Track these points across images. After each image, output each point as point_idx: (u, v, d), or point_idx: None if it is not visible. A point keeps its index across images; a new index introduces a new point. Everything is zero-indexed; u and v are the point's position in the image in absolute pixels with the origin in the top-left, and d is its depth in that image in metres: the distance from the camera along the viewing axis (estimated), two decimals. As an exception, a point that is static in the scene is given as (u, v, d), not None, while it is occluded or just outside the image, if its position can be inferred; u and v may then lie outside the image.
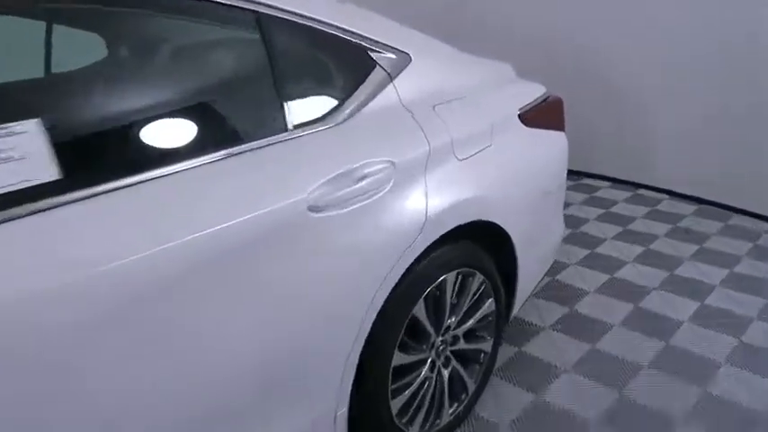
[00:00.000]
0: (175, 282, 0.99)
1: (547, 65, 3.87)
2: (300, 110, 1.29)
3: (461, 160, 1.54)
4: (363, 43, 1.44)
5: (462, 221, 1.53)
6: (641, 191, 3.85)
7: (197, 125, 1.14)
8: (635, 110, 3.77)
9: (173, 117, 1.12)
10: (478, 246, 1.67)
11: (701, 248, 3.01)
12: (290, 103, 1.27)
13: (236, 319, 1.10)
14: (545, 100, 1.99)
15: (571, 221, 3.35)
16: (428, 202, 1.42)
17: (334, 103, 1.36)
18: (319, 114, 1.32)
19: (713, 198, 3.58)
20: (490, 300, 1.76)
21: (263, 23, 1.25)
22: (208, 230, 1.03)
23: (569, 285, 2.66)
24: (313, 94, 1.35)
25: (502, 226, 1.67)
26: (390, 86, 1.47)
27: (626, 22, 3.61)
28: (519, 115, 1.82)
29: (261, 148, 1.18)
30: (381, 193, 1.32)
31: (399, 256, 1.36)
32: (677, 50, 3.46)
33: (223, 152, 1.12)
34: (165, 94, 1.15)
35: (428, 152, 1.44)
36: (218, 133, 1.16)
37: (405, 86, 1.50)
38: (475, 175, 1.58)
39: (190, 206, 1.03)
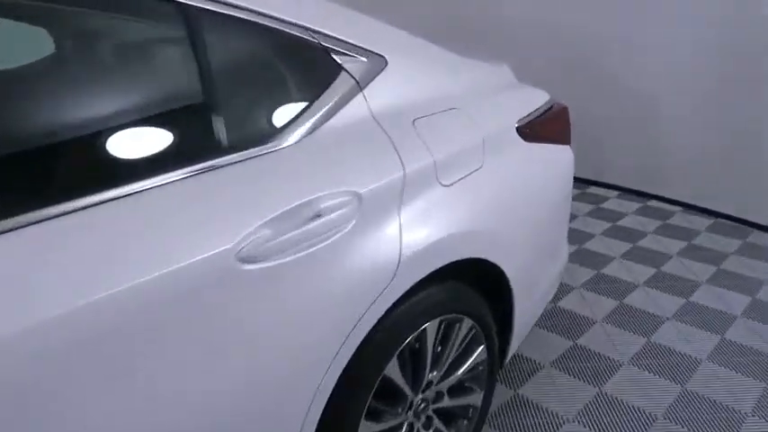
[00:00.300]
0: (57, 359, 0.73)
1: (550, 63, 3.62)
2: (238, 129, 1.02)
3: (446, 186, 1.27)
4: (325, 43, 1.17)
5: (447, 261, 1.26)
6: (652, 202, 3.57)
7: (92, 152, 0.87)
8: (645, 114, 3.50)
9: (60, 139, 0.85)
10: (467, 285, 1.41)
11: (718, 270, 2.73)
12: (224, 120, 1.00)
13: (149, 398, 0.83)
14: (548, 109, 1.72)
15: (575, 236, 3.08)
16: (403, 241, 1.15)
17: (285, 119, 1.09)
18: (264, 134, 1.05)
19: (729, 211, 3.30)
20: (481, 347, 1.49)
21: (190, 18, 0.98)
22: (96, 297, 0.76)
23: (573, 313, 2.39)
24: (256, 109, 1.08)
25: (496, 263, 1.40)
26: (359, 97, 1.20)
27: (635, 20, 3.34)
28: (517, 128, 1.55)
29: (180, 180, 0.91)
30: (341, 234, 1.05)
31: (365, 309, 1.10)
32: (691, 52, 3.19)
33: (126, 188, 0.85)
34: (52, 108, 0.88)
35: (403, 178, 1.17)
36: (121, 162, 0.89)
37: (377, 96, 1.23)
38: (463, 203, 1.31)
39: (72, 266, 0.77)
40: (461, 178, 1.32)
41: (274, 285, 0.96)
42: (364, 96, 1.21)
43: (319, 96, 1.14)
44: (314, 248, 1.00)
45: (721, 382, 1.96)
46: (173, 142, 0.95)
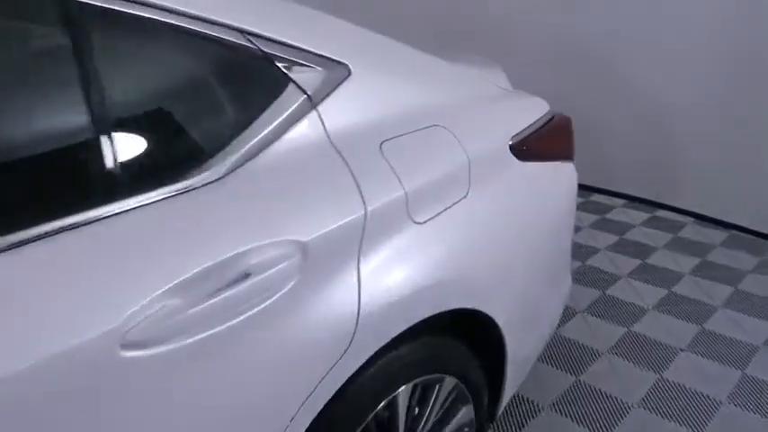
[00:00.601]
0: None
1: (549, 62, 3.39)
2: (144, 163, 0.79)
3: (420, 224, 1.04)
4: (267, 50, 0.93)
5: (422, 317, 1.03)
6: (661, 212, 3.33)
7: None
8: (653, 116, 3.25)
9: None
10: (449, 336, 1.18)
11: (735, 291, 2.49)
12: (124, 151, 0.77)
13: None
14: (548, 121, 1.48)
15: (579, 251, 2.84)
16: (362, 300, 0.92)
17: (209, 147, 0.85)
18: (179, 168, 0.81)
19: (744, 223, 3.06)
20: (466, 407, 1.26)
21: (81, 20, 0.75)
22: None
23: (575, 343, 2.15)
24: (170, 136, 0.85)
25: (484, 312, 1.17)
26: (311, 116, 0.96)
27: (641, 19, 3.09)
28: (511, 146, 1.31)
29: (54, 234, 0.68)
30: (277, 297, 0.82)
31: (311, 390, 0.86)
32: (700, 51, 2.95)
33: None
34: None
35: (364, 218, 0.94)
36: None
37: (336, 115, 0.99)
38: (442, 244, 1.07)
39: None
40: (440, 212, 1.08)
41: (179, 377, 0.72)
42: (318, 115, 0.97)
43: (257, 117, 0.91)
44: (238, 320, 0.77)
45: (745, 429, 1.73)
46: (50, 183, 0.72)
